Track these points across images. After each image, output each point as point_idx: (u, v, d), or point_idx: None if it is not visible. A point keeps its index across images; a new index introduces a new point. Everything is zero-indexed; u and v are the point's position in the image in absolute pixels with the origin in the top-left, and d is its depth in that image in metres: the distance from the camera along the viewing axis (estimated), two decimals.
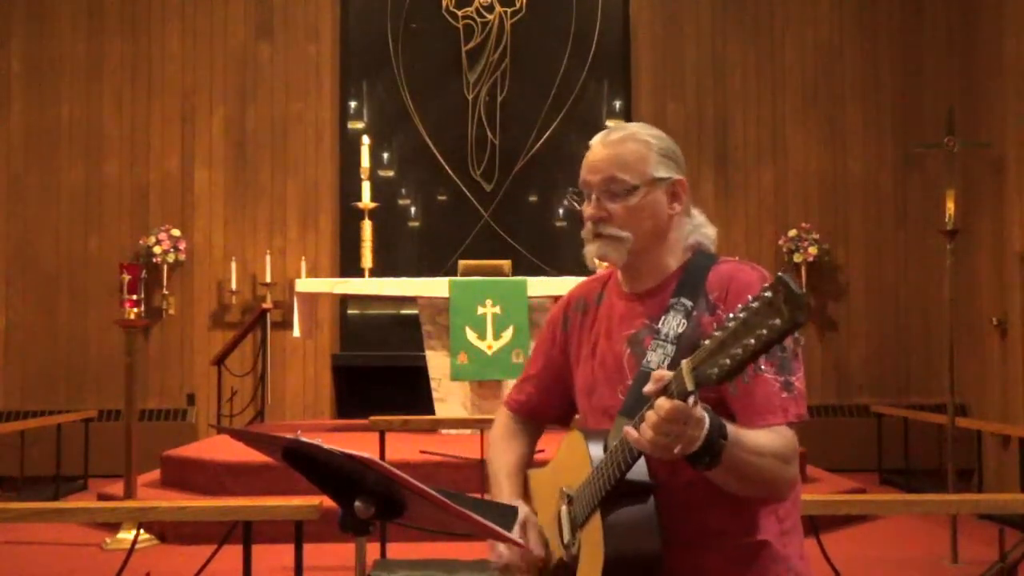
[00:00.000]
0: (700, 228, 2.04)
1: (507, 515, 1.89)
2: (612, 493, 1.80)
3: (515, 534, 1.95)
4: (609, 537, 1.79)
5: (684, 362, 1.59)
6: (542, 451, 2.23)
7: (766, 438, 1.78)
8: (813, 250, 8.88)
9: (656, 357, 1.89)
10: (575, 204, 2.06)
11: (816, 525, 3.98)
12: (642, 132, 2.01)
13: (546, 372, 2.19)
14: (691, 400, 1.59)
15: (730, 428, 1.69)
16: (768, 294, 1.48)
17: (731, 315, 1.52)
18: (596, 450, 1.87)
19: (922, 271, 8.98)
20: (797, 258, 8.89)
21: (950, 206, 6.12)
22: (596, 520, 1.82)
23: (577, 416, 2.18)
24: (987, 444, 7.73)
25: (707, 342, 1.55)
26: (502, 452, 2.20)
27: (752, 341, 1.48)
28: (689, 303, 1.91)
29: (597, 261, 2.06)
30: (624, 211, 1.96)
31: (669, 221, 2.00)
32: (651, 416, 1.62)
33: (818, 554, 3.83)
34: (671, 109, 9.02)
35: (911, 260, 9.09)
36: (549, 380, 2.18)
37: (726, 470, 1.71)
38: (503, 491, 2.13)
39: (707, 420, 1.64)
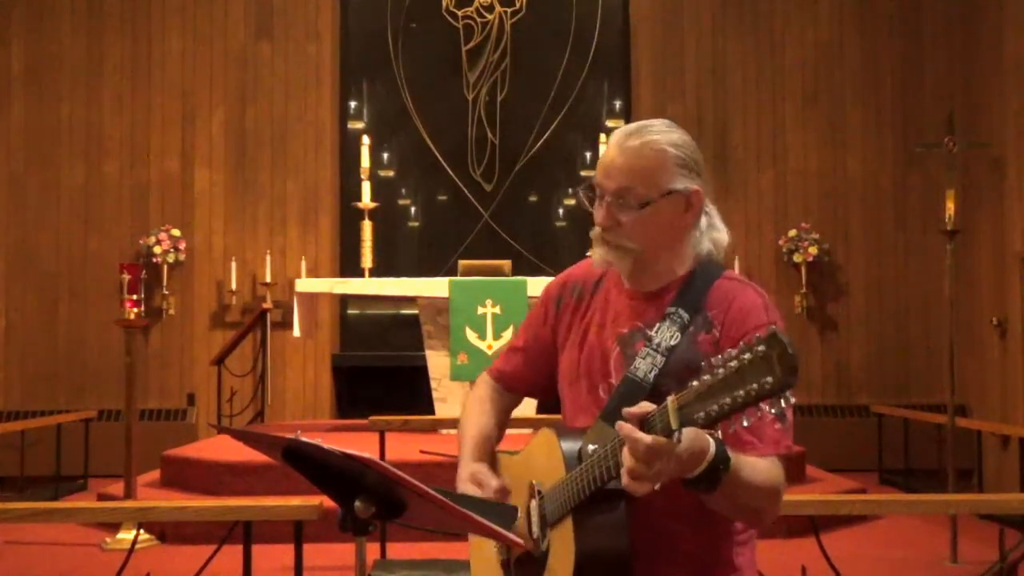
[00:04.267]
0: (711, 231, 1.98)
1: (507, 515, 1.89)
2: (588, 500, 1.80)
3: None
4: (581, 541, 1.80)
5: (671, 400, 1.58)
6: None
7: (761, 472, 1.77)
8: (813, 250, 8.88)
9: (645, 365, 1.87)
10: (586, 203, 1.98)
11: (816, 525, 3.99)
12: (662, 138, 1.93)
13: (533, 347, 2.15)
14: (675, 437, 1.58)
15: (733, 460, 1.68)
16: (762, 348, 1.46)
17: (724, 358, 1.51)
18: (570, 449, 1.87)
19: (922, 271, 8.97)
20: (797, 258, 8.89)
21: (950, 206, 6.11)
22: (568, 523, 1.83)
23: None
24: (987, 444, 7.73)
25: (695, 383, 1.54)
26: (477, 415, 2.18)
27: (742, 393, 1.48)
28: (686, 316, 1.89)
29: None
30: (634, 223, 1.89)
31: (680, 231, 1.94)
32: (635, 454, 1.60)
33: (818, 554, 3.83)
34: (671, 109, 9.00)
35: (911, 260, 9.08)
36: (535, 355, 2.15)
37: (720, 496, 1.71)
38: (466, 453, 2.11)
39: (712, 448, 1.64)
